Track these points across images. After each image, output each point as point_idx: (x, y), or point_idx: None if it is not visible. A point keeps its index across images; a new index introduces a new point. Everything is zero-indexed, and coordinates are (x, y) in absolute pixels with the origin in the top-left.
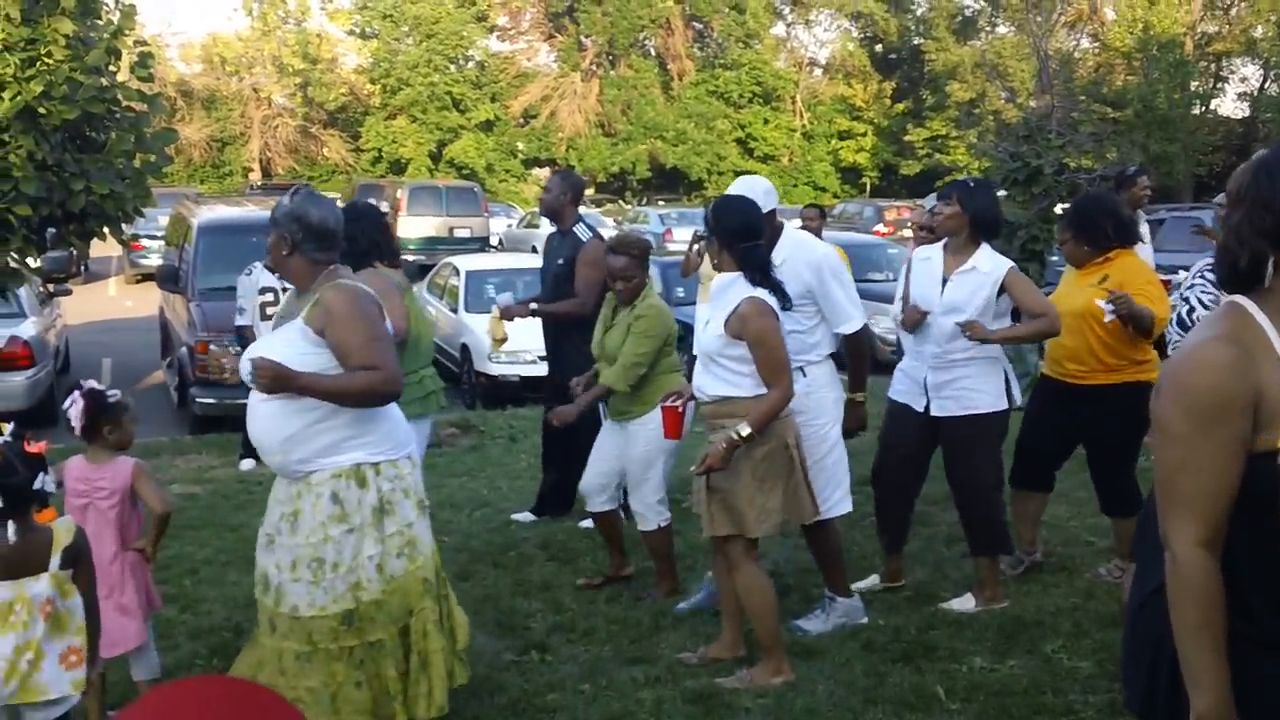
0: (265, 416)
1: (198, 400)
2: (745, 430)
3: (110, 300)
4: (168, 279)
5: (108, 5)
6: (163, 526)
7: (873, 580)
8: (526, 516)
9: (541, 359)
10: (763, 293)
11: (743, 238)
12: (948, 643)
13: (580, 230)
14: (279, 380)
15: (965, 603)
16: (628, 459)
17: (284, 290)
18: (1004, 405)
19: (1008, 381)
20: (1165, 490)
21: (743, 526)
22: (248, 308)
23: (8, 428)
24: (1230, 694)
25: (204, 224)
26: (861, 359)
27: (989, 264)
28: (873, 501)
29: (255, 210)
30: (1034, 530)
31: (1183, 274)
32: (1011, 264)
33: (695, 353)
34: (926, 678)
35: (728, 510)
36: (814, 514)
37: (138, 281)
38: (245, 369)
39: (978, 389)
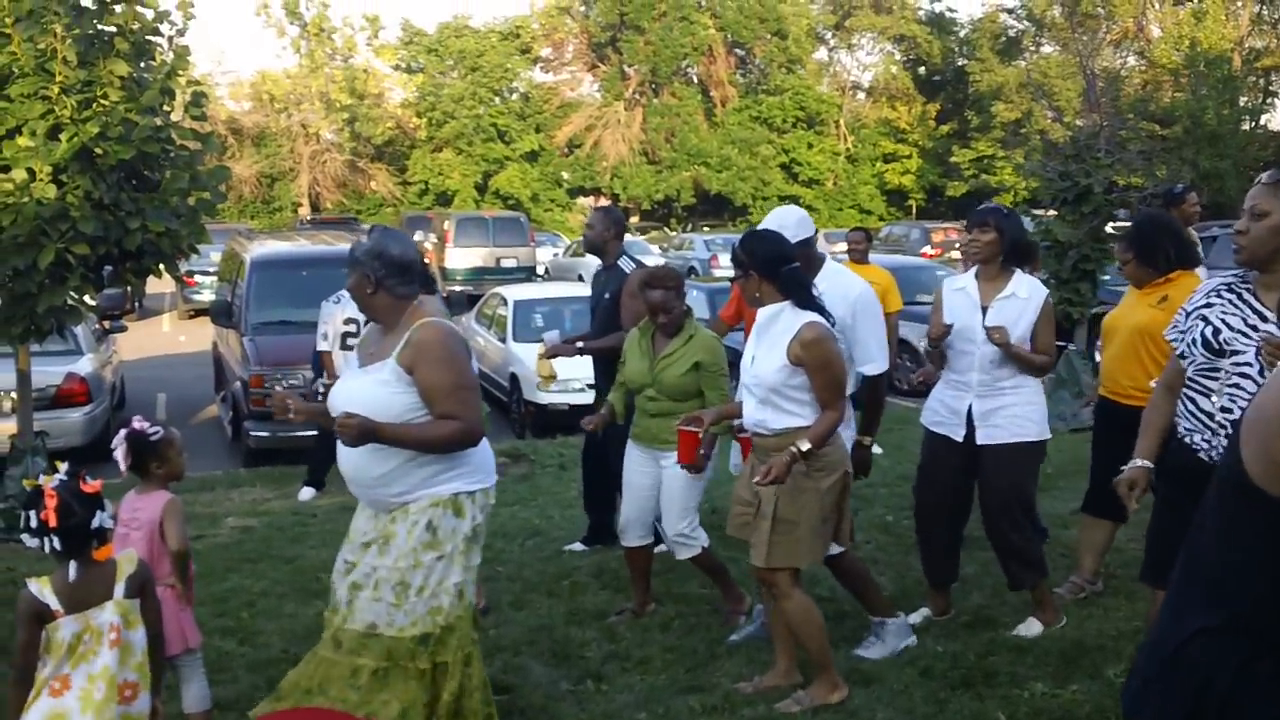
0: (360, 453)
1: (251, 434)
2: (805, 446)
3: (164, 336)
4: (221, 314)
5: (161, 46)
6: (180, 563)
7: (923, 613)
8: (577, 546)
9: (590, 387)
10: (814, 315)
11: (779, 263)
12: (1008, 668)
13: (624, 264)
14: (364, 436)
15: (1030, 627)
16: (670, 490)
17: (367, 322)
18: (1049, 434)
19: None
20: None
21: (801, 559)
22: (330, 334)
23: (64, 467)
24: None
25: (256, 259)
26: (878, 403)
27: (1027, 290)
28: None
29: (307, 245)
30: (1098, 560)
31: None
32: (1047, 292)
33: (746, 387)
34: (987, 704)
35: (791, 543)
36: (850, 538)
37: (191, 317)
38: (333, 408)
39: (1026, 417)
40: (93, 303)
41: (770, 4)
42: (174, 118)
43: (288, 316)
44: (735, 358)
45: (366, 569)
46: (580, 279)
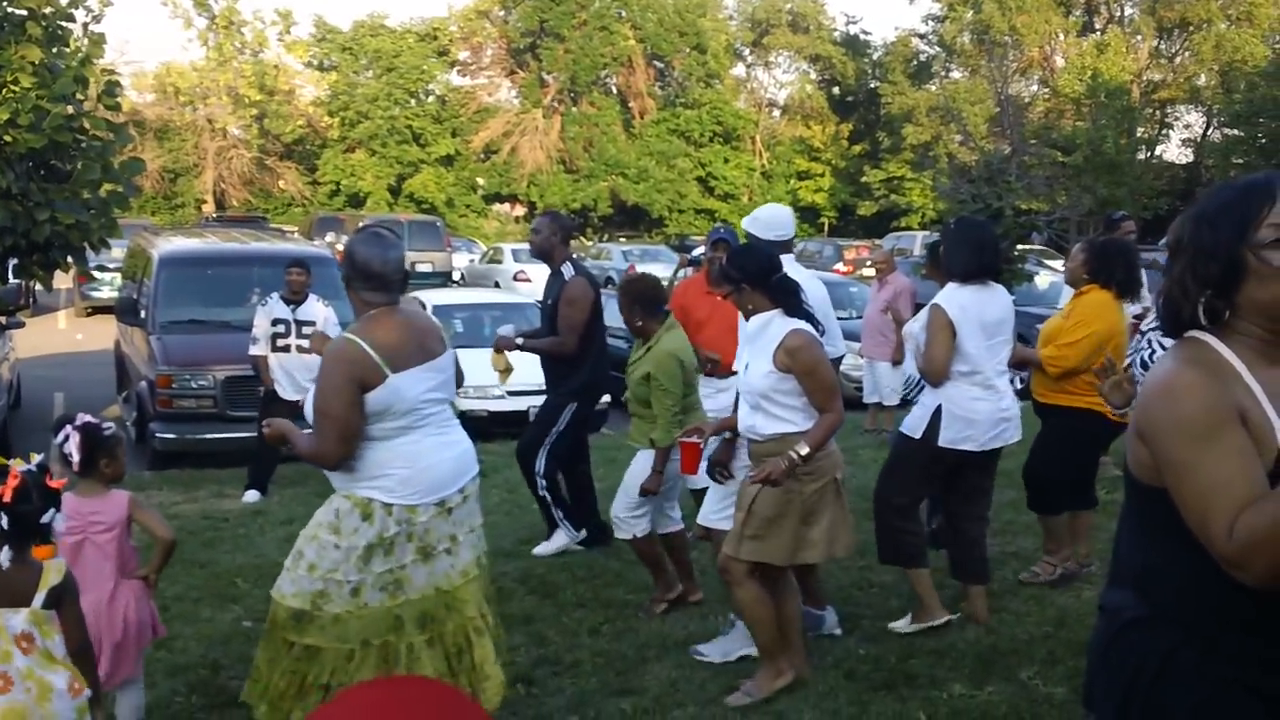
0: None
1: (158, 435)
2: (804, 450)
3: (60, 333)
4: (127, 311)
5: (75, 33)
6: (168, 554)
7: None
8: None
9: (513, 394)
10: (800, 323)
11: (769, 273)
12: (927, 670)
13: (566, 269)
14: (278, 437)
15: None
16: (630, 472)
17: (295, 322)
18: None
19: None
20: (1204, 520)
21: (767, 556)
22: (260, 337)
23: (37, 458)
24: None
25: (165, 256)
26: None
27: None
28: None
29: (217, 242)
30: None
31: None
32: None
33: (740, 394)
34: (909, 705)
35: (759, 539)
36: (850, 546)
37: (89, 314)
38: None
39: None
40: None
41: (690, 18)
42: (87, 107)
43: (197, 315)
44: None
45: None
46: (497, 285)
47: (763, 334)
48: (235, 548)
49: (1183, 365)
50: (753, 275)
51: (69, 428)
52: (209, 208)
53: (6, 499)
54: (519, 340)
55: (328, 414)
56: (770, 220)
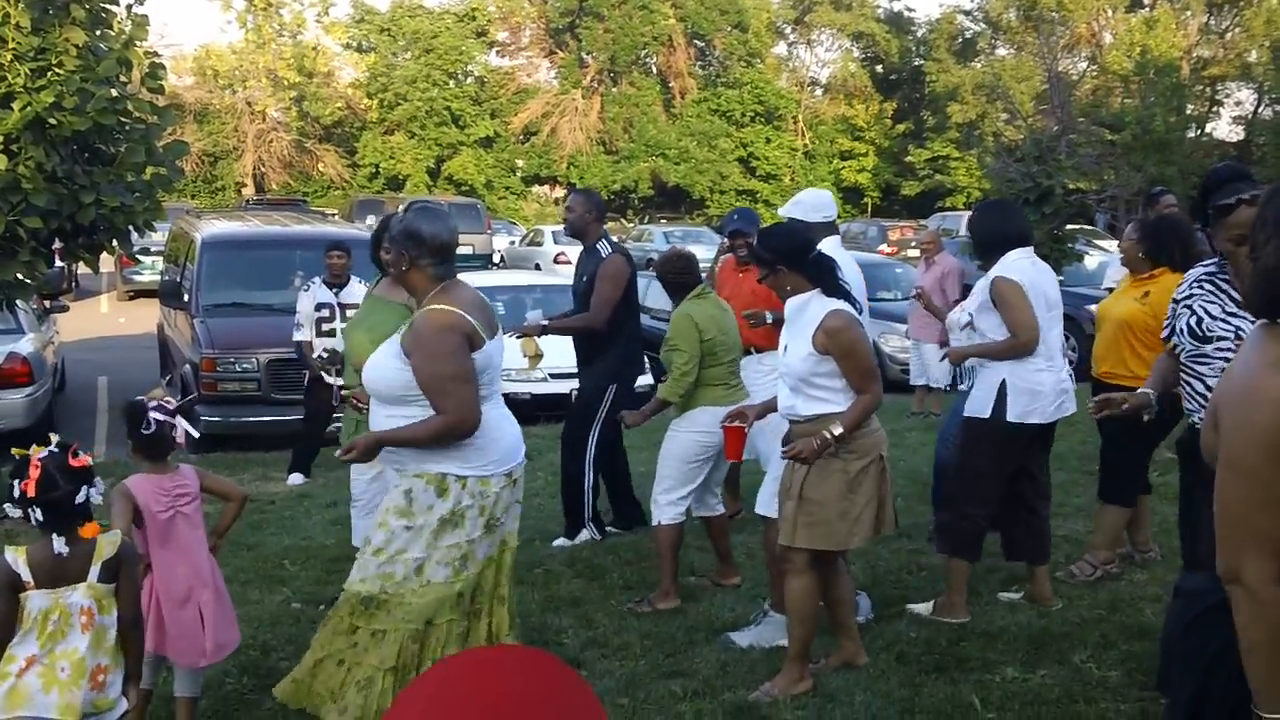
0: (376, 420)
1: (202, 419)
2: (838, 430)
3: (103, 317)
4: (170, 295)
5: (119, 14)
6: (240, 511)
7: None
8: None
9: (555, 377)
10: (840, 303)
11: (804, 252)
12: (979, 654)
13: (602, 247)
14: (370, 453)
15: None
16: (663, 453)
17: (339, 306)
18: None
19: None
20: (1237, 527)
21: (824, 541)
22: (305, 323)
23: (55, 438)
24: None
25: (208, 239)
26: None
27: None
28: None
29: (259, 225)
30: (1118, 540)
31: None
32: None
33: (780, 375)
34: (960, 688)
35: (815, 525)
36: (894, 524)
37: (131, 298)
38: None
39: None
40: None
41: None
42: (130, 89)
43: (240, 299)
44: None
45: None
46: (537, 267)
47: (801, 315)
48: (281, 530)
49: (1275, 371)
50: (788, 255)
51: (161, 413)
52: (249, 191)
53: (31, 493)
54: (544, 322)
55: (457, 377)
56: (815, 203)
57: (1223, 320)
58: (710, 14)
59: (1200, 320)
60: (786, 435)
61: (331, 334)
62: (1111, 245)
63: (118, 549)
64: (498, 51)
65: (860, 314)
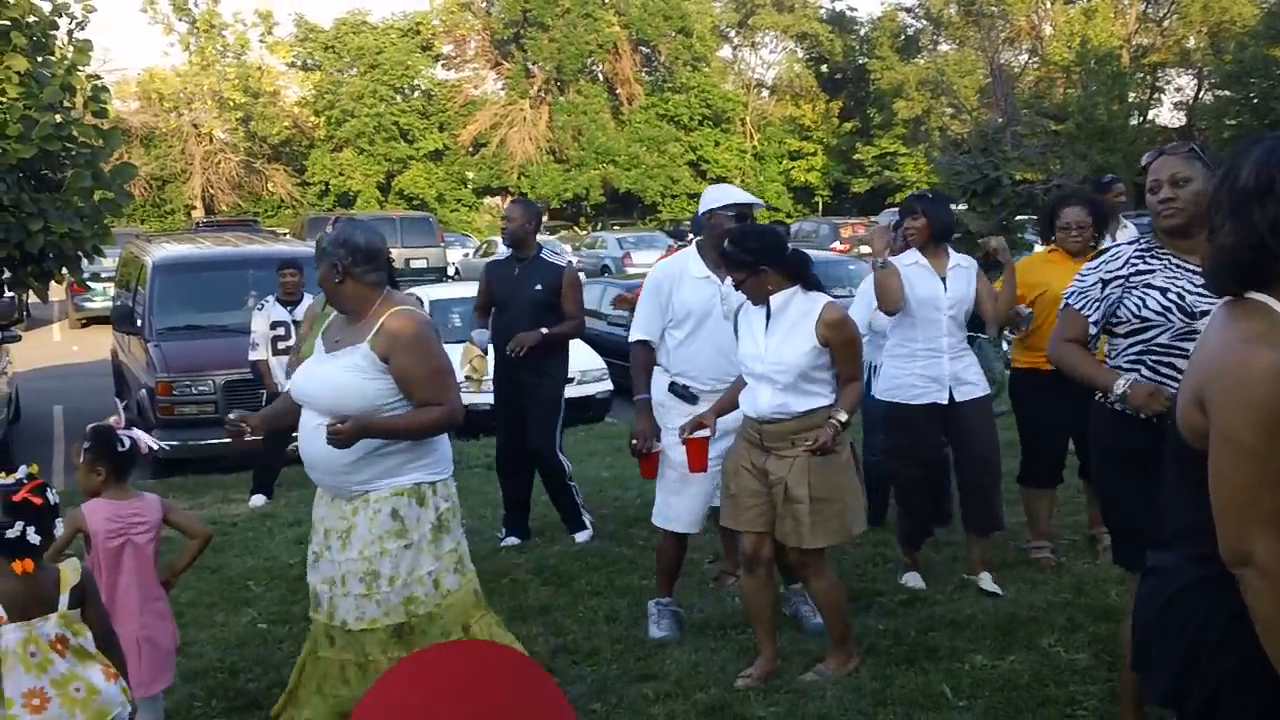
0: (310, 434)
1: (161, 444)
2: (843, 416)
3: (56, 346)
4: (124, 320)
5: (60, 40)
6: (202, 550)
7: (914, 578)
8: (510, 541)
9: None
10: (827, 296)
11: (782, 250)
12: (948, 642)
13: (549, 256)
14: (357, 436)
15: (987, 581)
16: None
17: (294, 323)
18: None
19: None
20: (1241, 508)
21: (843, 534)
22: (260, 341)
23: (22, 471)
24: None
25: (159, 262)
26: None
27: (964, 260)
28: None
29: (210, 247)
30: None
31: None
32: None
33: (759, 376)
34: (931, 678)
35: (830, 519)
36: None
37: (83, 325)
38: (298, 395)
39: (979, 373)
40: None
41: (674, 2)
42: (75, 114)
43: (194, 321)
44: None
45: (331, 565)
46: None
47: (785, 312)
48: (245, 551)
49: (1260, 345)
50: (768, 254)
51: (127, 431)
52: (198, 213)
53: None
54: (543, 331)
55: (448, 370)
56: (721, 191)
57: (1200, 294)
58: (654, 20)
59: (1183, 295)
60: (746, 436)
61: (288, 352)
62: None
63: (80, 576)
64: (444, 65)
65: None
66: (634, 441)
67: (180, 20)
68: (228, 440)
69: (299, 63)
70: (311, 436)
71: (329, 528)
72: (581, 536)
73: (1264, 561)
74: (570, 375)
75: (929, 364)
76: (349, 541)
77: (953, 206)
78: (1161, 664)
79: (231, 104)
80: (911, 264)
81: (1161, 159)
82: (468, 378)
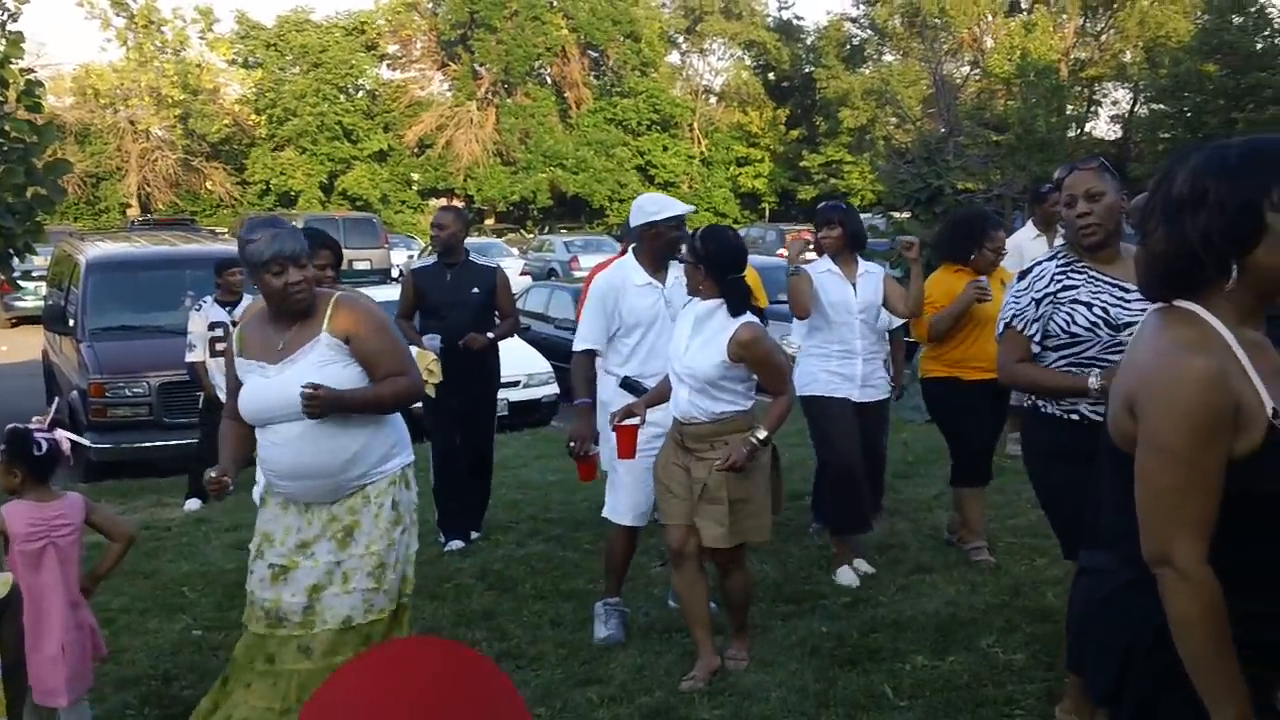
0: (324, 439)
1: (93, 445)
2: (763, 434)
3: None
4: (55, 320)
5: None
6: (125, 552)
7: (862, 567)
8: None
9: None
10: (749, 315)
11: (728, 269)
12: (890, 644)
13: (480, 260)
14: (330, 405)
15: (845, 575)
16: None
17: (233, 324)
18: None
19: None
20: (1166, 511)
21: (758, 533)
22: (198, 344)
23: None
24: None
25: (93, 261)
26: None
27: (872, 267)
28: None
29: (146, 246)
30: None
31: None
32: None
33: (678, 375)
34: (873, 679)
35: (748, 519)
36: (781, 507)
37: (13, 325)
38: (250, 413)
39: (883, 376)
40: None
41: (623, 6)
42: (7, 109)
43: (129, 321)
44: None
45: (325, 566)
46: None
47: (709, 321)
48: (180, 556)
49: (1191, 352)
50: (714, 263)
51: (47, 432)
52: (134, 211)
53: None
54: (489, 335)
55: (402, 343)
56: (660, 203)
57: (1122, 306)
58: (603, 24)
59: (1108, 309)
60: (672, 435)
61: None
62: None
63: (9, 590)
64: (389, 65)
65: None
66: (571, 444)
67: (118, 15)
68: (160, 443)
69: (240, 60)
70: (298, 446)
71: (310, 538)
72: (455, 544)
73: (1182, 563)
74: (516, 379)
75: (843, 363)
76: (351, 540)
77: (896, 215)
78: (1098, 664)
79: (170, 101)
80: (825, 271)
81: (1075, 174)
82: (425, 382)
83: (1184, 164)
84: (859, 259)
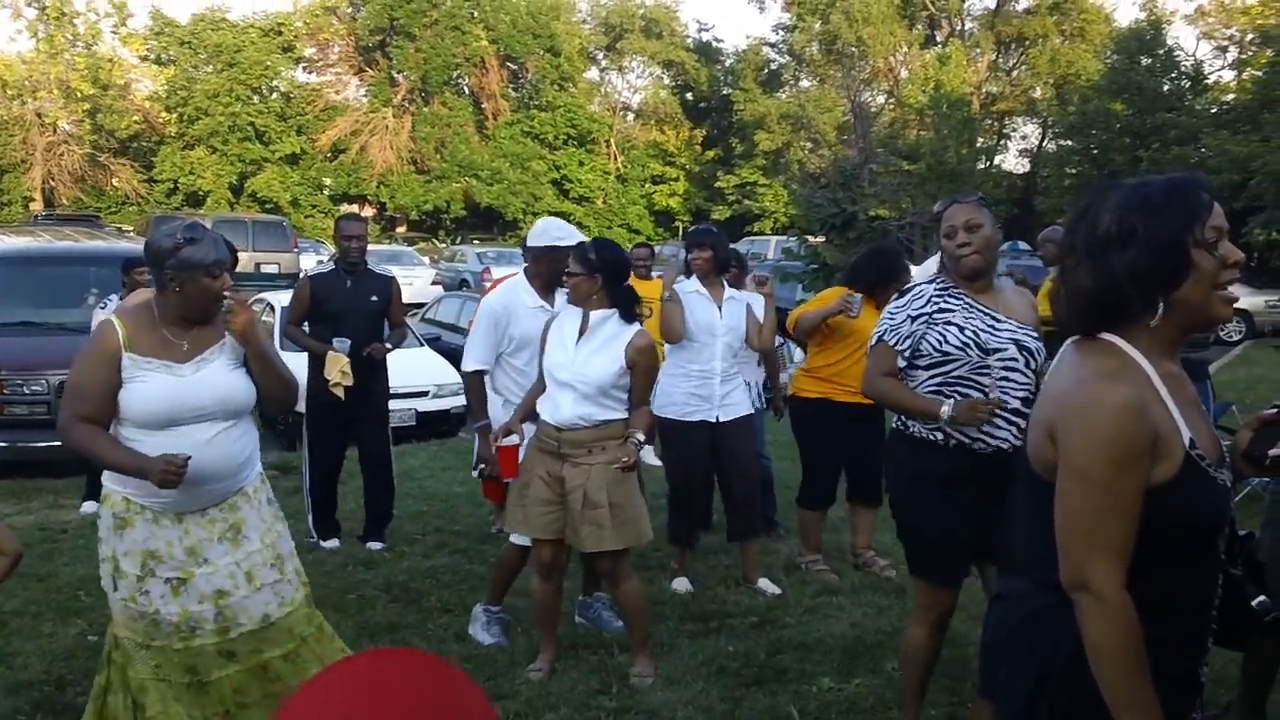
0: (228, 442)
1: None
2: (640, 436)
3: None
4: None
5: None
6: (13, 568)
7: (684, 583)
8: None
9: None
10: (639, 324)
11: (623, 278)
12: (796, 665)
13: (379, 269)
14: (249, 328)
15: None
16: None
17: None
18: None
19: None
20: (1084, 536)
21: (639, 538)
22: None
23: None
24: None
25: None
26: None
27: (738, 294)
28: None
29: (48, 241)
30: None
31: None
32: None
33: (562, 384)
34: (779, 699)
35: (627, 524)
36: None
37: None
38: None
39: (745, 394)
40: None
41: (544, 20)
42: None
43: (29, 318)
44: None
45: (226, 569)
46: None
47: (601, 329)
48: (75, 560)
49: (1111, 382)
50: (610, 271)
51: None
52: (37, 206)
53: None
54: (388, 345)
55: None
56: (562, 229)
57: (992, 333)
58: (523, 37)
59: (979, 333)
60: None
61: None
62: (914, 269)
63: None
64: (305, 68)
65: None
66: (481, 465)
67: (30, 6)
68: (58, 443)
69: (153, 56)
70: (206, 450)
71: (195, 543)
72: (333, 543)
73: (1099, 587)
74: (425, 389)
75: (701, 384)
76: (243, 537)
77: (810, 239)
78: (1010, 688)
79: (79, 95)
80: (693, 292)
81: (955, 207)
82: (337, 384)
83: (1105, 202)
84: (725, 284)
